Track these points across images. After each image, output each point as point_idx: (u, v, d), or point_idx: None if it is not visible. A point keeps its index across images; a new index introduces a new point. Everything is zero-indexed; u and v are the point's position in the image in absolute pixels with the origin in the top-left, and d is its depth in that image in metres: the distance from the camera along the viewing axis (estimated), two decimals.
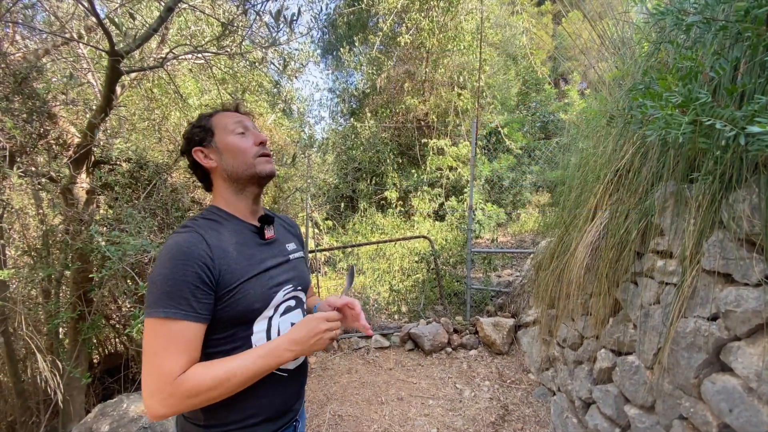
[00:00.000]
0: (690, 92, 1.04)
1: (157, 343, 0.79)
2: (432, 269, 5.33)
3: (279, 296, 0.97)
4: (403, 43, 7.57)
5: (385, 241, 6.22)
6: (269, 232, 1.04)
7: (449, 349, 3.94)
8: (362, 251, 6.55)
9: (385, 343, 4.18)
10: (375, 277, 5.90)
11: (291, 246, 1.11)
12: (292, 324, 1.02)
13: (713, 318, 1.45)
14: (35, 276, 2.56)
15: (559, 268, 2.49)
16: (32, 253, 2.76)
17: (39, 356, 2.35)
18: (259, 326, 0.94)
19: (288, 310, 1.02)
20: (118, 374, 3.45)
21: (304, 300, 1.11)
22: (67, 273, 2.78)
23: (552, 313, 2.74)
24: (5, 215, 2.60)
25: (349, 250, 6.73)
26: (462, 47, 7.72)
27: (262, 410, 0.94)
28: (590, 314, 2.21)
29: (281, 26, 1.85)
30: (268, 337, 0.95)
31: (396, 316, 5.14)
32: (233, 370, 0.81)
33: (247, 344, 0.91)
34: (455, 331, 4.13)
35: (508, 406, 2.96)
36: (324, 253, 7.12)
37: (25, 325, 2.46)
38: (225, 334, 0.89)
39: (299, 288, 1.06)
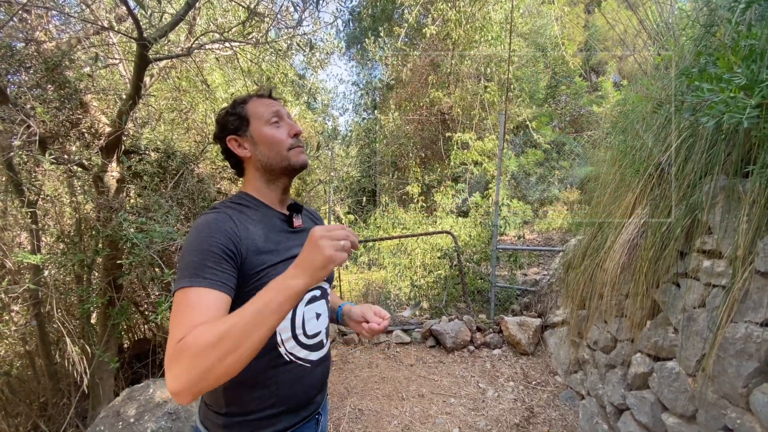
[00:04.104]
0: (754, 73, 0.93)
1: (175, 315, 0.74)
2: (455, 266, 5.23)
3: None
4: (428, 35, 7.44)
5: (407, 236, 6.15)
6: (297, 221, 1.03)
7: (472, 348, 3.86)
8: (383, 246, 6.51)
9: (406, 339, 4.14)
10: (396, 272, 5.85)
11: None
12: (317, 314, 1.02)
13: (767, 324, 1.34)
14: (68, 261, 2.64)
15: (591, 267, 2.38)
16: (65, 239, 2.84)
17: (68, 340, 2.41)
18: None
19: (313, 299, 1.01)
20: (146, 359, 3.54)
21: (329, 291, 1.10)
22: (98, 259, 2.86)
23: (582, 313, 2.62)
24: (40, 202, 2.68)
25: (371, 244, 6.70)
26: (489, 38, 7.53)
27: (282, 401, 0.93)
28: (625, 316, 2.10)
29: (308, 4, 1.81)
30: (293, 326, 0.94)
31: (417, 312, 5.08)
32: (237, 313, 0.68)
33: None
34: (478, 329, 4.04)
35: (534, 408, 2.87)
36: None
37: (57, 309, 2.54)
38: None
39: (324, 278, 1.04)
